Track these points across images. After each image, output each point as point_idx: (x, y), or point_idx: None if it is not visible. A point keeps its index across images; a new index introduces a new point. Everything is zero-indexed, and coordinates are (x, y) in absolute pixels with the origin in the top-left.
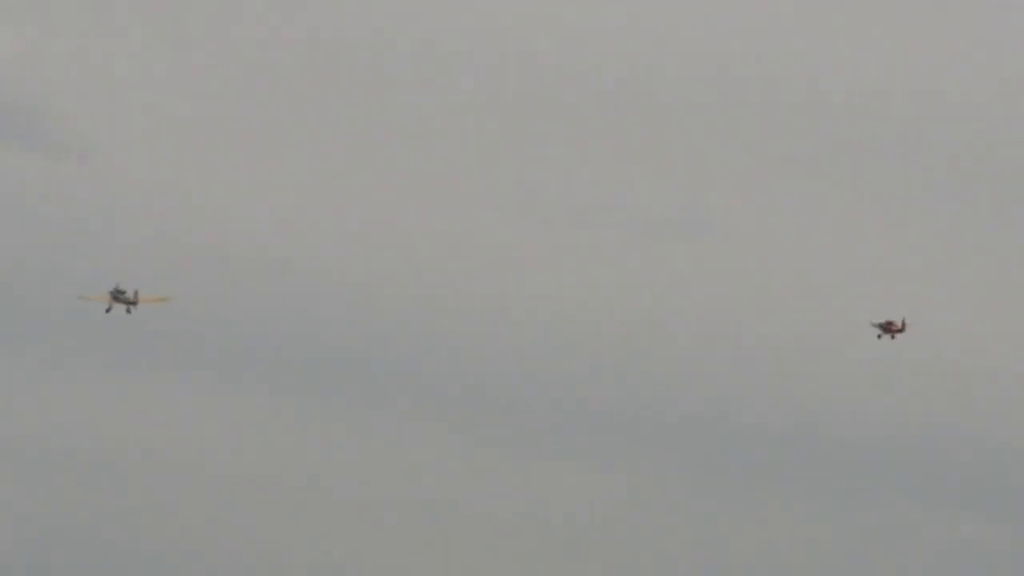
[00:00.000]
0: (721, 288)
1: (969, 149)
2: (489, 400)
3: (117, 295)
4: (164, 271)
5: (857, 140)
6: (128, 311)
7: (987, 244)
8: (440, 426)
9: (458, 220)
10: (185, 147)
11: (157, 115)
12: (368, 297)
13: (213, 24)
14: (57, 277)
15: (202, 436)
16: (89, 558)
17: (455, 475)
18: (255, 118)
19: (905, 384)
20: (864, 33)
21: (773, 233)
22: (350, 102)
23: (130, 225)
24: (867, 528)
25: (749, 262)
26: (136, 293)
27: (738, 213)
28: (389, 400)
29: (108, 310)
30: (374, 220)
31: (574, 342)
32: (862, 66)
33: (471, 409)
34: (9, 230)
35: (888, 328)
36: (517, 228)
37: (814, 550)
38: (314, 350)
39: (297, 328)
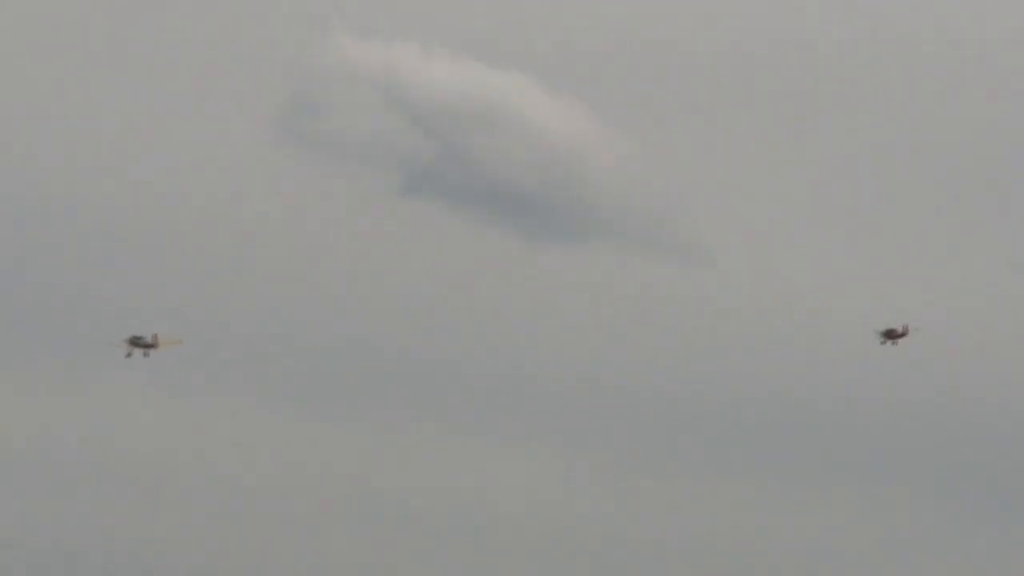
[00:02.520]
0: None
1: None
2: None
3: (135, 341)
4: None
5: None
6: (146, 355)
7: None
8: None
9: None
10: (800, 251)
11: (778, 219)
12: None
13: (818, 132)
14: (684, 372)
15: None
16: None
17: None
18: (871, 221)
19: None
20: None
21: None
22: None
23: (755, 327)
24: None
25: None
26: (155, 337)
27: None
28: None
29: (128, 355)
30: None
31: None
32: None
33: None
34: (642, 334)
35: (891, 335)
36: None
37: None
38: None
39: None
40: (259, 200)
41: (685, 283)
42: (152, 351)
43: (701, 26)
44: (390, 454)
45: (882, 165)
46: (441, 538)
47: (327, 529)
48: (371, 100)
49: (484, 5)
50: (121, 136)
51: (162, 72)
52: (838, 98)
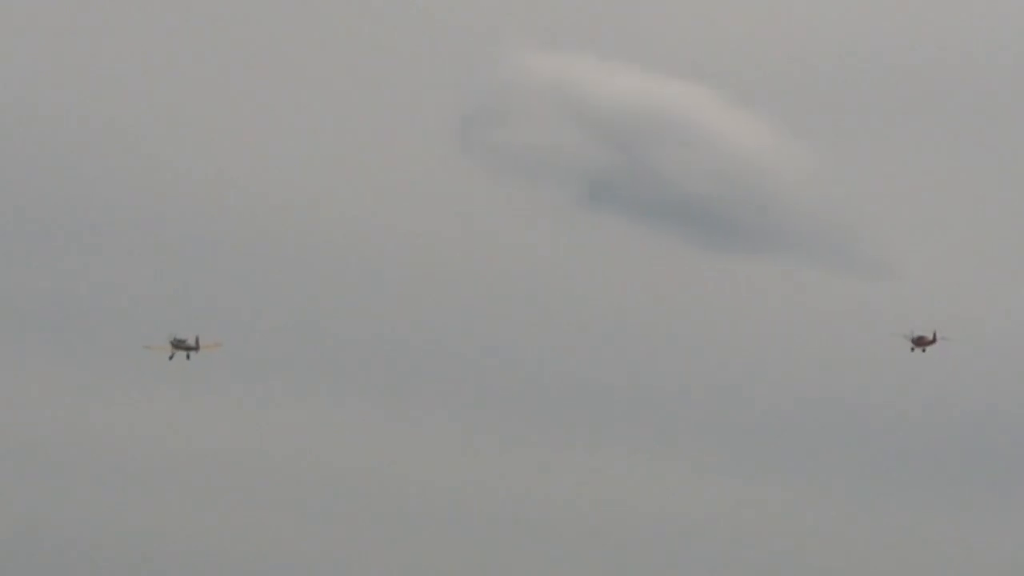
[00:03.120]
0: None
1: None
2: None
3: (177, 343)
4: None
5: None
6: (188, 357)
7: None
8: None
9: None
10: (983, 266)
11: (961, 233)
12: None
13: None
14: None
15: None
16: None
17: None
18: None
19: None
20: None
21: None
22: None
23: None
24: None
25: None
26: (197, 339)
27: None
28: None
29: (171, 357)
30: None
31: None
32: None
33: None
34: (822, 346)
35: (920, 342)
36: None
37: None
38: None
39: None
40: (441, 212)
41: (866, 296)
42: (193, 353)
43: (886, 39)
44: (572, 468)
45: None
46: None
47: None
48: (551, 112)
49: (665, 16)
50: (306, 150)
51: (345, 86)
52: None
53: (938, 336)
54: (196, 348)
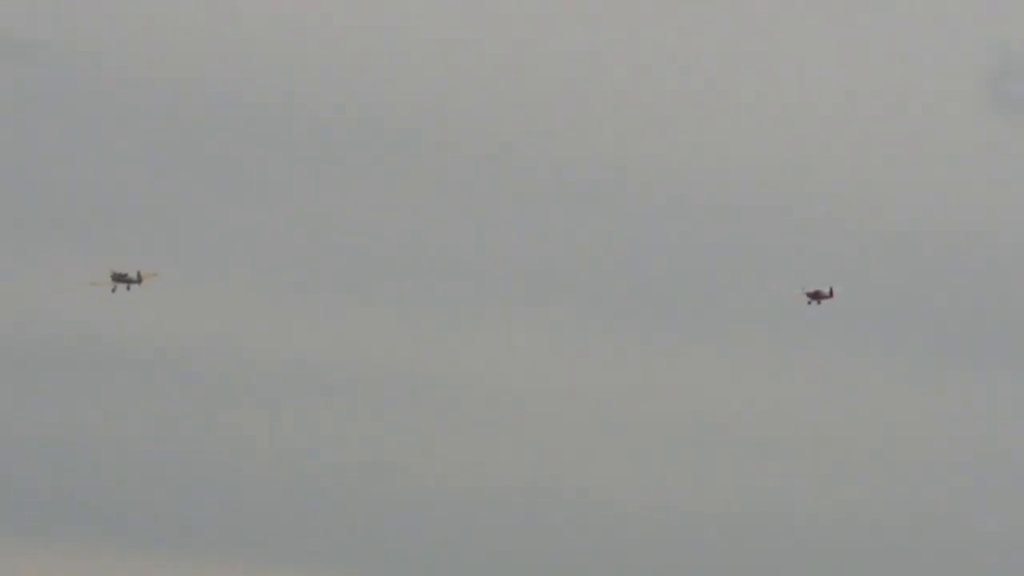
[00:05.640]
0: None
1: None
2: None
3: (118, 278)
4: None
5: None
6: (128, 288)
7: None
8: None
9: None
10: None
11: None
12: None
13: None
14: None
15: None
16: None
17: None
18: None
19: None
20: None
21: None
22: None
23: None
24: None
25: None
26: (139, 273)
27: None
28: None
29: (113, 291)
30: None
31: None
32: None
33: None
34: None
35: (817, 295)
36: None
37: None
38: None
39: None
40: (970, 164)
41: None
42: (136, 286)
43: None
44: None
45: None
46: None
47: None
48: None
49: None
50: (828, 107)
51: (873, 43)
52: None
53: (834, 291)
54: (136, 281)
